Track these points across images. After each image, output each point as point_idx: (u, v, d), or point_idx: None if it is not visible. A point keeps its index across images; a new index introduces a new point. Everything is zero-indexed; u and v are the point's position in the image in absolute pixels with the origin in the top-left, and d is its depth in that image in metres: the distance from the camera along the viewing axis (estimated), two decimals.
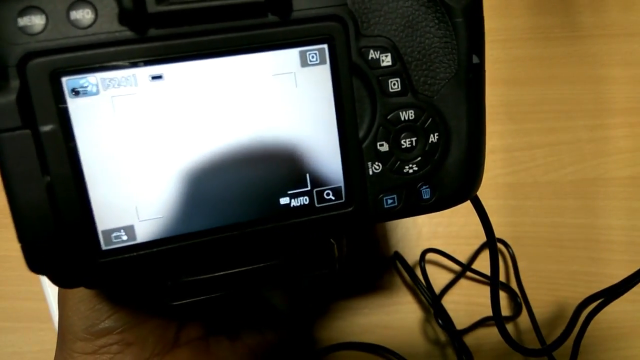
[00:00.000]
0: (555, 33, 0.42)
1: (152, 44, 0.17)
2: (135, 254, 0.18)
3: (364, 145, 0.20)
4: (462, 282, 0.39)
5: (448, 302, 0.39)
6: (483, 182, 0.23)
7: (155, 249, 0.19)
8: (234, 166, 0.19)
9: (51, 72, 0.17)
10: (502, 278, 0.40)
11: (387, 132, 0.20)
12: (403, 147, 0.20)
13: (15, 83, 0.16)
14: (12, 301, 0.38)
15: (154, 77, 0.18)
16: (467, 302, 0.39)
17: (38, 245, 0.18)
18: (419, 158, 0.21)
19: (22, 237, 0.17)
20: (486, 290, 0.34)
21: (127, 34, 0.17)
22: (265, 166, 0.19)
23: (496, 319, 0.29)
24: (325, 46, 0.19)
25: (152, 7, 0.17)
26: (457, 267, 0.39)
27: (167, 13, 0.17)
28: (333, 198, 0.20)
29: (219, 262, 0.20)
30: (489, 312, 0.29)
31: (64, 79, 0.17)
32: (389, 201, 0.21)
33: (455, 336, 0.37)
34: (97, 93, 0.17)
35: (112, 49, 0.17)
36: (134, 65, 0.17)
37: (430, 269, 0.39)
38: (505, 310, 0.39)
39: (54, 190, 0.17)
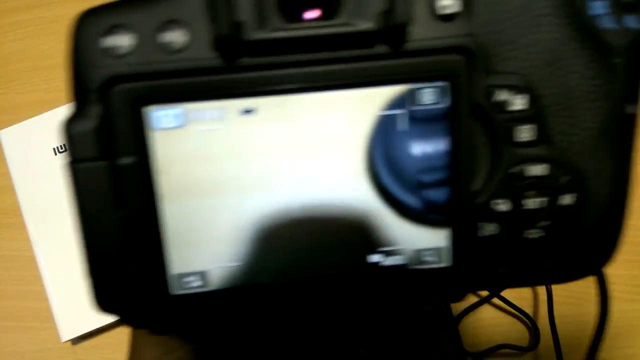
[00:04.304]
0: None
1: (247, 74, 0.15)
2: (206, 301, 0.17)
3: (478, 201, 0.17)
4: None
5: (463, 324, 0.37)
6: None
7: (228, 298, 0.17)
8: (321, 215, 0.16)
9: (136, 100, 0.15)
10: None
11: (509, 189, 0.17)
12: (527, 207, 0.17)
13: (96, 109, 0.15)
14: (13, 300, 0.38)
15: (246, 111, 0.15)
16: (482, 327, 0.38)
17: (106, 285, 0.16)
18: (546, 222, 0.17)
19: (90, 273, 0.16)
20: (502, 316, 0.35)
21: (220, 61, 0.15)
22: (355, 217, 0.17)
23: None
24: (444, 84, 0.16)
25: (252, 33, 0.14)
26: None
27: (269, 41, 0.15)
28: (433, 260, 0.17)
29: (293, 321, 0.18)
30: (502, 339, 0.31)
31: (149, 109, 0.15)
32: (503, 269, 0.17)
33: None
34: (183, 125, 0.15)
35: (203, 79, 0.15)
36: (225, 97, 0.15)
37: None
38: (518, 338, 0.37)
39: (128, 227, 0.16)
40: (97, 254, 0.16)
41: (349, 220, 0.17)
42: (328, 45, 0.15)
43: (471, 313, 0.37)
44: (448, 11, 0.15)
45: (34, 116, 0.40)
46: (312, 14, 0.15)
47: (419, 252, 0.17)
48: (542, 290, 0.37)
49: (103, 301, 0.16)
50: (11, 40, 0.43)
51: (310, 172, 0.16)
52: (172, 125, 0.15)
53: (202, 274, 0.17)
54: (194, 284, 0.17)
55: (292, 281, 0.17)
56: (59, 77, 0.42)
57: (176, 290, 0.17)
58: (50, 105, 0.40)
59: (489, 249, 0.17)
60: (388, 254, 0.17)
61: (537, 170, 0.17)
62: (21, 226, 0.37)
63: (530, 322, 0.37)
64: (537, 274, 0.18)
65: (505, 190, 0.17)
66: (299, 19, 0.15)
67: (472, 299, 0.38)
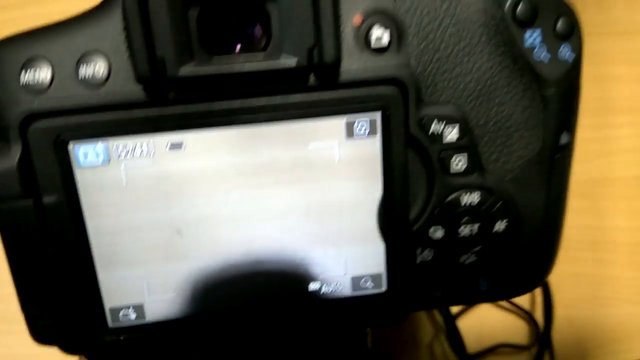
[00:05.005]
0: None
1: (174, 108, 0.15)
2: (143, 333, 0.17)
3: (414, 228, 0.17)
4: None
5: (462, 323, 0.37)
6: None
7: (165, 330, 0.17)
8: (256, 245, 0.16)
9: (56, 137, 0.14)
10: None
11: (444, 217, 0.17)
12: (461, 234, 0.17)
13: (16, 147, 0.14)
14: (8, 304, 0.37)
15: (174, 146, 0.15)
16: (481, 325, 0.37)
17: (40, 318, 0.16)
18: (480, 247, 0.17)
19: (23, 307, 0.16)
20: (502, 315, 0.34)
21: (143, 95, 0.14)
22: (293, 246, 0.17)
23: None
24: (378, 115, 0.15)
25: (173, 69, 0.14)
26: None
27: (192, 79, 0.14)
28: (371, 285, 0.17)
29: (233, 348, 0.18)
30: (502, 338, 0.30)
31: (71, 145, 0.15)
32: (438, 293, 0.18)
33: None
34: (107, 161, 0.15)
35: (126, 113, 0.15)
36: (151, 132, 0.15)
37: None
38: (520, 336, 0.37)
39: (58, 264, 0.15)
40: (29, 289, 0.16)
41: (287, 251, 0.16)
42: (255, 80, 0.15)
43: (471, 312, 0.36)
44: (379, 44, 0.15)
45: None
46: (237, 48, 0.14)
47: (357, 278, 0.17)
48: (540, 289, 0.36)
49: (38, 333, 0.16)
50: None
51: (242, 203, 0.16)
52: (96, 161, 0.15)
53: (137, 307, 0.16)
54: (131, 317, 0.16)
55: (231, 310, 0.17)
56: None
57: (113, 322, 0.16)
58: None
59: (424, 274, 0.17)
60: (327, 282, 0.17)
61: (471, 198, 0.17)
62: None
63: (530, 320, 0.36)
64: (473, 295, 0.18)
65: (440, 218, 0.17)
66: (223, 52, 0.14)
67: None
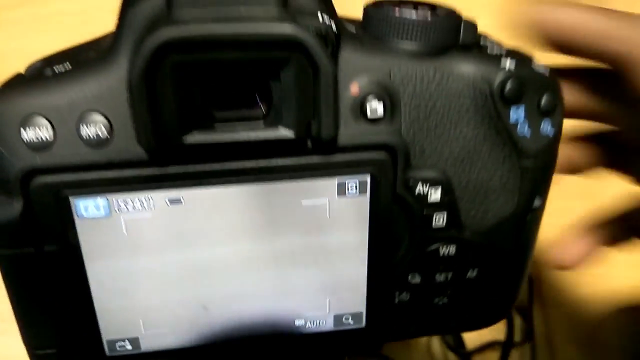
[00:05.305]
0: None
1: (173, 167, 0.15)
2: None
3: (395, 274, 0.18)
4: None
5: None
6: None
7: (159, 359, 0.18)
8: (250, 289, 0.17)
9: (57, 192, 0.15)
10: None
11: (422, 265, 0.18)
12: (437, 280, 0.19)
13: (18, 199, 0.15)
14: (6, 304, 0.38)
15: (172, 201, 0.16)
16: None
17: (40, 348, 0.17)
18: (452, 291, 0.19)
19: (27, 343, 0.17)
20: None
21: (146, 156, 0.15)
22: (281, 292, 0.18)
23: None
24: (368, 177, 0.16)
25: (176, 139, 0.14)
26: None
27: (193, 146, 0.15)
28: (352, 322, 0.19)
29: None
30: (499, 335, 0.31)
31: (72, 199, 0.15)
32: (412, 328, 0.19)
33: (465, 357, 0.35)
34: (108, 215, 0.15)
35: (127, 171, 0.15)
36: (151, 189, 0.15)
37: None
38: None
39: (58, 305, 0.16)
40: (32, 328, 0.17)
41: (276, 295, 0.18)
42: (253, 145, 0.15)
43: None
44: (375, 116, 0.15)
45: None
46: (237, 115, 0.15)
47: (339, 316, 0.19)
48: (536, 288, 0.35)
49: None
50: (6, 38, 0.40)
51: (237, 252, 0.17)
52: (97, 214, 0.15)
53: (133, 340, 0.18)
54: (127, 347, 0.18)
55: (225, 341, 0.18)
56: None
57: (111, 352, 0.18)
58: None
59: (400, 313, 0.19)
60: (311, 319, 0.19)
61: (448, 250, 0.18)
62: None
63: (522, 318, 0.36)
64: (444, 328, 0.20)
65: (419, 266, 0.18)
66: (225, 120, 0.15)
67: None
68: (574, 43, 0.17)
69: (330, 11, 0.15)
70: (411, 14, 0.16)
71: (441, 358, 0.36)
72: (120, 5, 0.15)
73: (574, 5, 0.17)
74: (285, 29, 0.13)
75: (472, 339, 0.36)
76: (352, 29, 0.17)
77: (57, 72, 0.15)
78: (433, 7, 0.17)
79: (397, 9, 0.16)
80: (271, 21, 0.13)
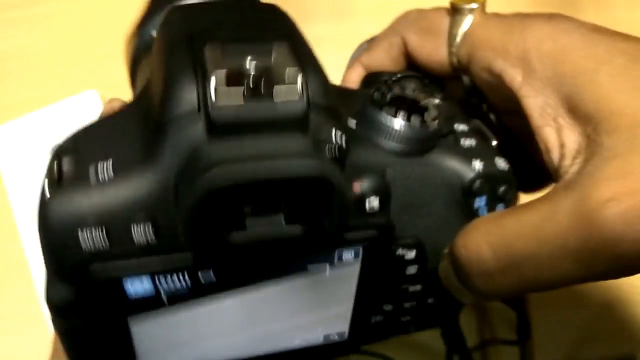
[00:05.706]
0: None
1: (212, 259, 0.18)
2: None
3: (373, 303, 0.23)
4: None
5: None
6: None
7: None
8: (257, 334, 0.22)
9: (110, 277, 0.17)
10: None
11: (394, 299, 0.23)
12: (404, 307, 0.24)
13: (72, 283, 0.17)
14: (2, 304, 0.38)
15: (206, 278, 0.19)
16: (472, 321, 0.38)
17: None
18: (415, 312, 0.25)
19: None
20: (492, 310, 0.36)
21: (190, 257, 0.18)
22: (284, 328, 0.22)
23: None
24: (361, 249, 0.21)
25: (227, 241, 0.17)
26: None
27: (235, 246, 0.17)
28: (337, 338, 0.24)
29: None
30: (499, 333, 0.33)
31: (123, 280, 0.18)
32: (381, 336, 0.25)
33: (466, 355, 0.34)
34: (153, 292, 0.19)
35: (172, 259, 0.18)
36: (192, 273, 0.18)
37: None
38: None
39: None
40: None
41: (280, 330, 0.22)
42: (277, 242, 0.18)
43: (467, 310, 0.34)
44: (372, 210, 0.19)
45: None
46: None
47: (327, 335, 0.24)
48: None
49: None
50: (7, 38, 0.40)
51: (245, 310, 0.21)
52: (143, 292, 0.18)
53: None
54: None
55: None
56: (55, 75, 0.40)
57: None
58: (46, 103, 0.37)
59: (374, 328, 0.24)
60: (304, 340, 0.23)
61: (415, 288, 0.23)
62: (13, 227, 0.36)
63: (521, 316, 0.35)
64: (404, 333, 0.26)
65: (392, 299, 0.23)
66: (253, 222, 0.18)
67: None
68: None
69: (339, 120, 0.18)
70: (400, 124, 0.19)
71: (441, 356, 0.35)
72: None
73: None
74: (315, 169, 0.16)
75: (471, 337, 0.36)
76: (352, 124, 0.20)
77: (100, 178, 0.17)
78: (423, 109, 0.20)
79: (388, 117, 0.19)
80: (302, 158, 0.16)
